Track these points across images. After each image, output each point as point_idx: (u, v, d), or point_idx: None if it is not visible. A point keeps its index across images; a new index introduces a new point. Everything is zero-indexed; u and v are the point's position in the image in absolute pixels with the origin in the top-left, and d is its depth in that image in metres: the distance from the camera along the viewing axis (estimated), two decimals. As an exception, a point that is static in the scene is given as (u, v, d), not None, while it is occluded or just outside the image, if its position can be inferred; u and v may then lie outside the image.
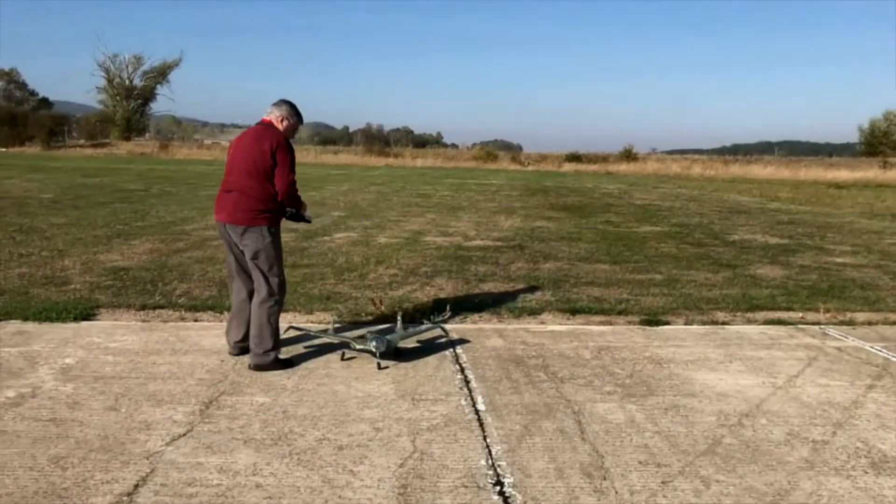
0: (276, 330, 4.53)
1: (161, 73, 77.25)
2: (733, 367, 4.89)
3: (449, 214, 15.02)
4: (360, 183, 26.01)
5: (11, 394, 3.93)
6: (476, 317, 6.13)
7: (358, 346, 4.65)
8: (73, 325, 5.37)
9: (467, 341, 5.32)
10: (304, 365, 4.63)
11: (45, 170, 27.90)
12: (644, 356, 5.08)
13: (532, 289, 7.31)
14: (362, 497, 2.92)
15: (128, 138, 67.64)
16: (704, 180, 36.84)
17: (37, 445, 3.28)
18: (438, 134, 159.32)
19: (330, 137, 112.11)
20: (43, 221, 11.53)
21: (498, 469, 3.21)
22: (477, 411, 3.93)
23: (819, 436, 3.72)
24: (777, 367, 4.91)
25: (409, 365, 4.71)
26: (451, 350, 5.07)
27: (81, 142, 65.90)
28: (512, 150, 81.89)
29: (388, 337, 4.71)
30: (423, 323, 5.54)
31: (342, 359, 4.71)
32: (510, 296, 6.95)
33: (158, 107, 79.34)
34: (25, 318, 5.45)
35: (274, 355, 4.52)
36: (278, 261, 4.55)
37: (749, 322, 6.22)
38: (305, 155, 54.93)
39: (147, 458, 3.20)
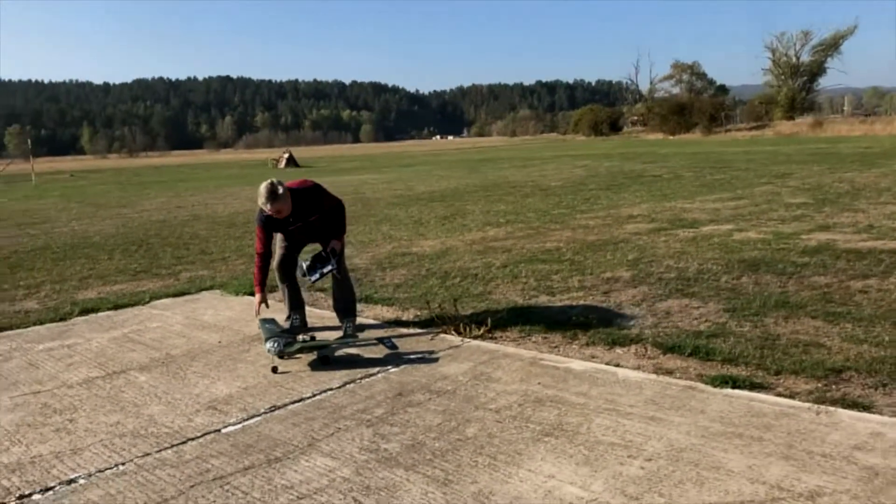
0: None
1: (832, 46, 71.92)
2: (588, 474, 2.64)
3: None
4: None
5: (51, 344, 5.13)
6: (558, 337, 4.67)
7: (266, 346, 4.36)
8: (233, 298, 6.39)
9: (433, 361, 4.26)
10: (245, 357, 4.60)
11: (615, 157, 27.27)
12: (592, 422, 3.18)
13: (731, 316, 5.01)
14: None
15: (791, 118, 65.45)
16: None
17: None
18: None
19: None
20: (462, 210, 12.64)
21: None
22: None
23: None
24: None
25: (306, 374, 4.18)
26: (384, 368, 4.19)
27: (741, 125, 66.68)
28: None
29: (289, 341, 4.33)
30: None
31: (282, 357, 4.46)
32: (673, 317, 4.98)
33: (826, 82, 74.45)
34: (224, 290, 6.73)
35: None
36: None
37: None
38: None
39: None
